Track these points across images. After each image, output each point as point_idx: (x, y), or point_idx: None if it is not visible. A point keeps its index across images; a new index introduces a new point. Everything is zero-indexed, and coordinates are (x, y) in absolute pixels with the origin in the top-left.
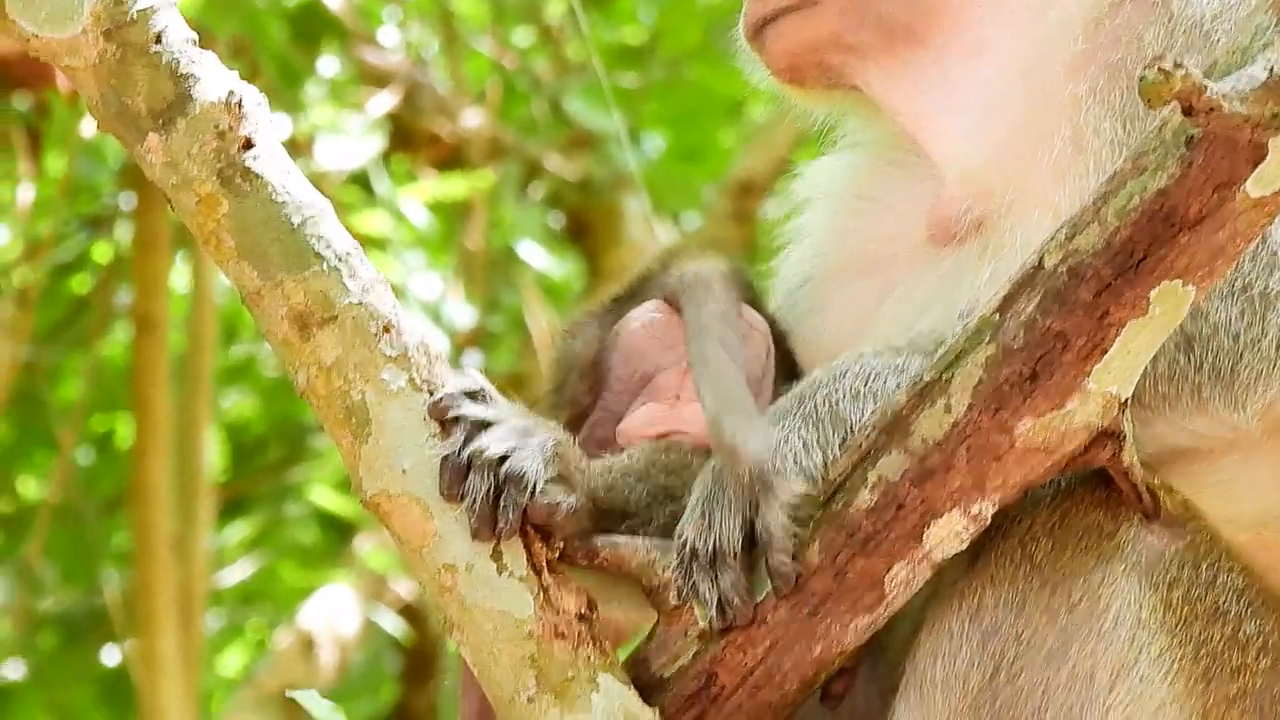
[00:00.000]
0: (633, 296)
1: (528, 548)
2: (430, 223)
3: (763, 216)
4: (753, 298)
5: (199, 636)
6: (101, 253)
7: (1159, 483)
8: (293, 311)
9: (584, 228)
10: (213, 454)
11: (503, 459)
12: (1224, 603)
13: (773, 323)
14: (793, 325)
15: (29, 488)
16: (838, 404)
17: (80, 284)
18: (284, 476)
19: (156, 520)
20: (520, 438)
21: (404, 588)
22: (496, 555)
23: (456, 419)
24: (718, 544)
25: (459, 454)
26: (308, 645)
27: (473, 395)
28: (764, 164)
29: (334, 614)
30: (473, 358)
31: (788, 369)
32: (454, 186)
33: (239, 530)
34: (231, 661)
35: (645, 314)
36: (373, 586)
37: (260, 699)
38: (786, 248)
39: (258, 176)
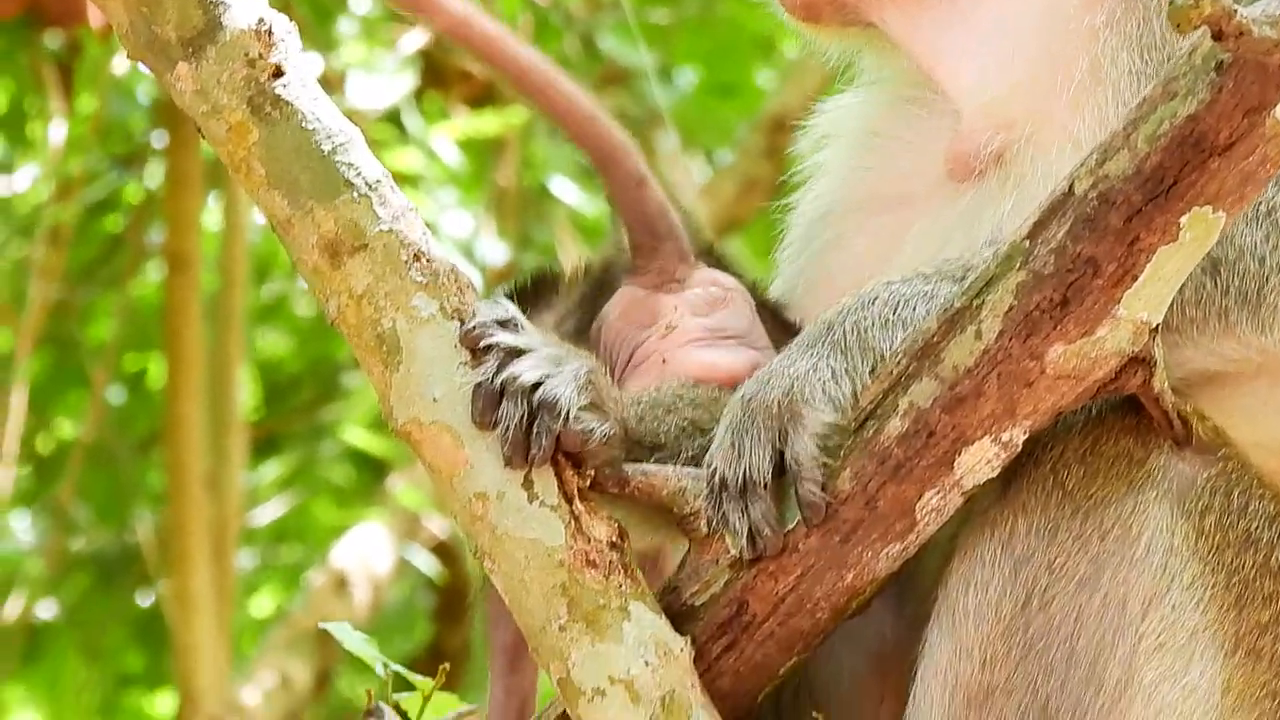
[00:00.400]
0: (602, 287)
1: (559, 476)
2: (462, 160)
3: (796, 153)
4: (722, 262)
5: (232, 575)
6: (133, 192)
7: (1190, 409)
8: (323, 240)
9: None
10: (245, 393)
11: (536, 386)
12: (1256, 530)
13: (766, 295)
14: (812, 260)
15: (62, 428)
16: (866, 331)
17: (113, 223)
18: (317, 415)
19: (189, 459)
20: (553, 365)
21: (437, 526)
22: (528, 483)
23: (489, 347)
24: (747, 473)
25: (492, 381)
26: (341, 584)
27: (504, 324)
28: (797, 100)
29: (368, 552)
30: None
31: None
32: (486, 123)
33: (272, 469)
34: (264, 601)
35: (617, 303)
36: (406, 525)
37: (294, 637)
38: (806, 184)
39: (288, 104)
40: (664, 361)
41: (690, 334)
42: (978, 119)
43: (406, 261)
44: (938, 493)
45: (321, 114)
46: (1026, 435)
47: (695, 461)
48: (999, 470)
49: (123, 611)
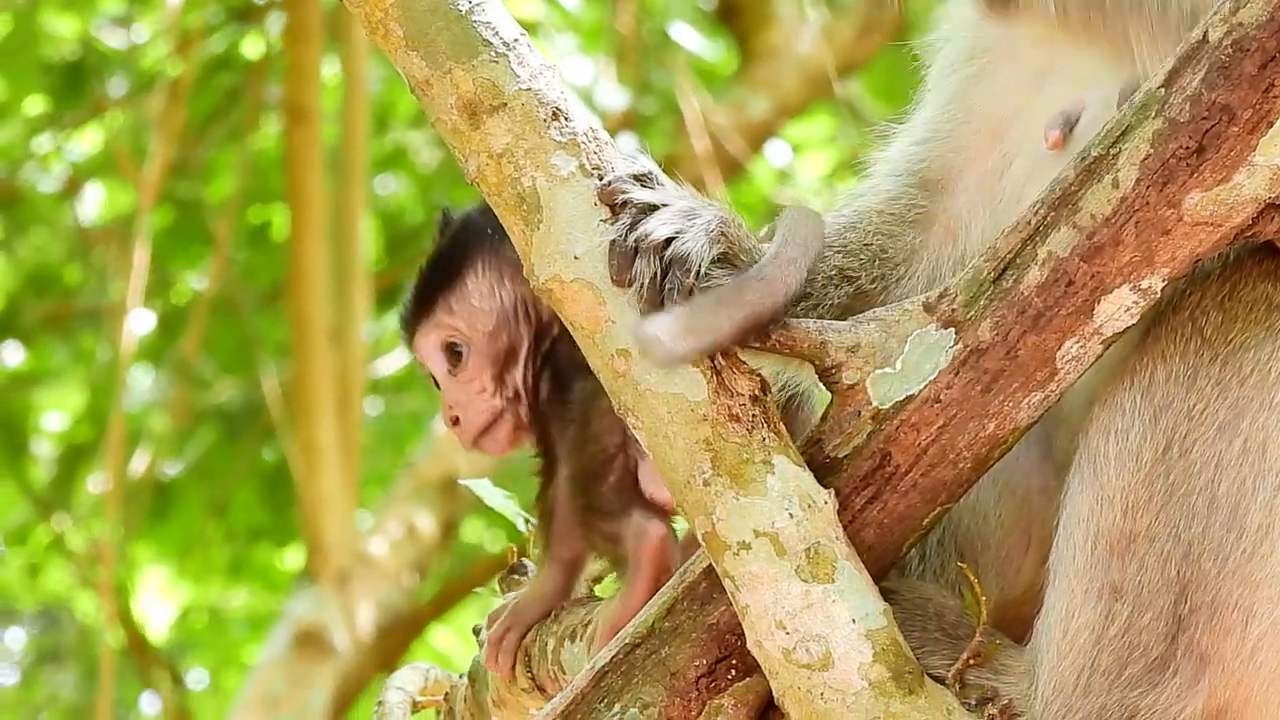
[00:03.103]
0: None
1: None
2: (582, 7)
3: None
4: None
5: (357, 426)
6: (252, 45)
7: None
8: (462, 100)
9: (734, 9)
10: (368, 243)
11: (668, 242)
12: None
13: None
14: (960, 88)
15: (186, 282)
16: None
17: (231, 78)
18: None
19: (313, 311)
20: (685, 220)
21: None
22: None
23: (625, 203)
24: None
25: (625, 238)
26: None
27: (640, 179)
28: None
29: None
30: (626, 140)
31: None
32: None
33: (395, 319)
34: (389, 452)
35: None
36: None
37: (419, 487)
38: (942, 25)
39: None
40: None
41: None
42: None
43: (545, 120)
44: (1078, 341)
45: None
46: (1165, 283)
47: (841, 310)
48: (1138, 318)
49: (249, 465)
